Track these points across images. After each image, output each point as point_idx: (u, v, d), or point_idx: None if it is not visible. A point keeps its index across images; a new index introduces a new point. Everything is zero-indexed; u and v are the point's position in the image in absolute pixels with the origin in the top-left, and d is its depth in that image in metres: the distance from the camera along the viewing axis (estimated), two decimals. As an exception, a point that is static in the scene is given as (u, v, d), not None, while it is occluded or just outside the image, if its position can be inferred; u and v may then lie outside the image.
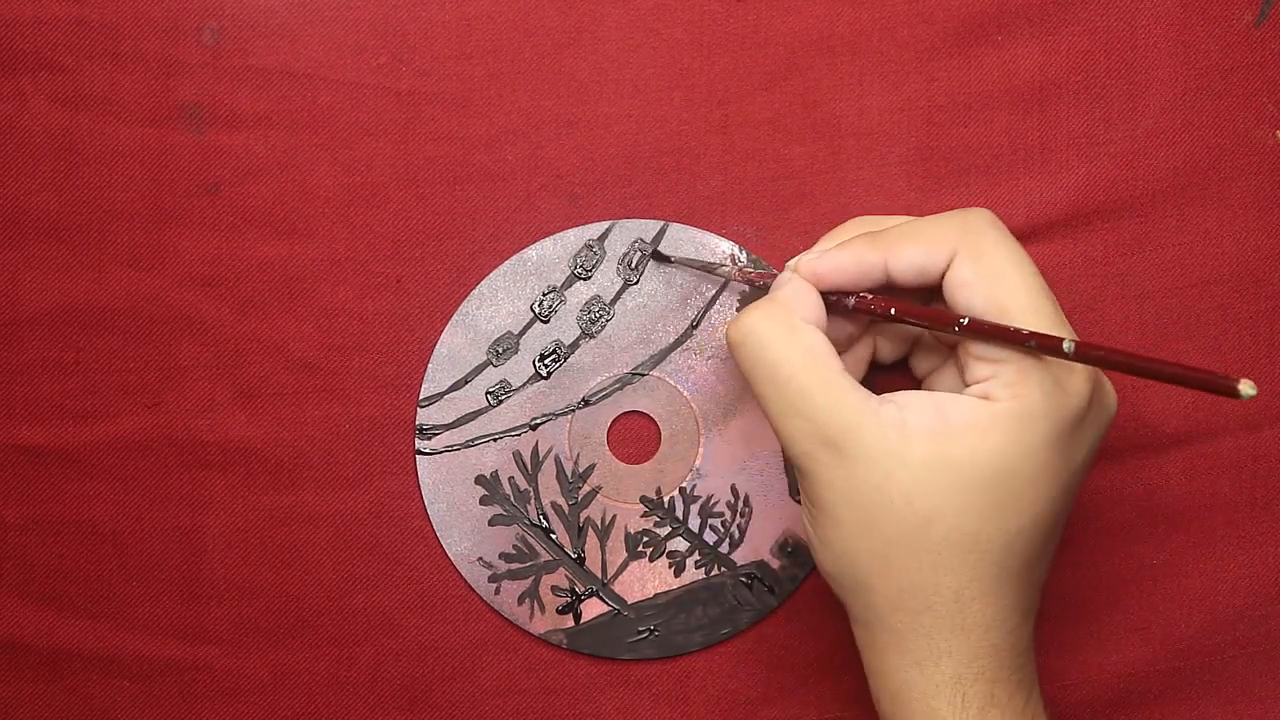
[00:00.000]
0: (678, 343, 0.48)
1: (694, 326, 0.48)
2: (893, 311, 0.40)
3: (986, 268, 0.38)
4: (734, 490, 0.48)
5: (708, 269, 0.47)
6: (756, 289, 0.47)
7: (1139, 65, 0.48)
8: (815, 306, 0.40)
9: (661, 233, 0.48)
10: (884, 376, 0.46)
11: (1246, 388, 0.31)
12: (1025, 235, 0.48)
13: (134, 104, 0.47)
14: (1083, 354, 0.35)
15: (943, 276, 0.39)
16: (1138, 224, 0.48)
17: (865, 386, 0.39)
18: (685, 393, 0.48)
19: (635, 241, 0.48)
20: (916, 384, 0.44)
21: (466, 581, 0.48)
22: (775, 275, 0.42)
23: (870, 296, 0.40)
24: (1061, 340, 0.36)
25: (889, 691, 0.39)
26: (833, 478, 0.38)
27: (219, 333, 0.47)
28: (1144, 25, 0.48)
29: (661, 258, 0.47)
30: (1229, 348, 0.48)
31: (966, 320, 0.38)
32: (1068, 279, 0.48)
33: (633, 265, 0.48)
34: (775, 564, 0.48)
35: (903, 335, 0.44)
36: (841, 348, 0.43)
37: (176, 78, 0.47)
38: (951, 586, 0.38)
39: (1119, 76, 0.48)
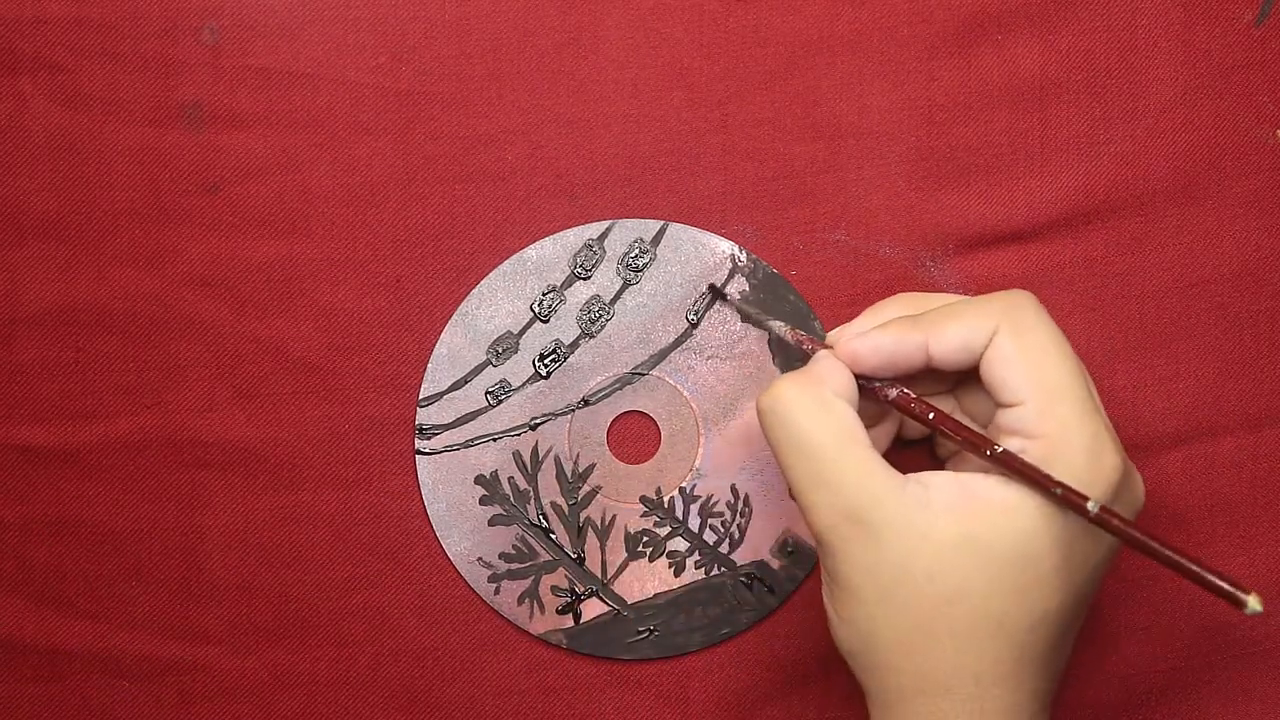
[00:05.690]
0: (678, 342, 0.48)
1: (694, 326, 0.48)
2: (930, 416, 0.40)
3: (1028, 344, 0.38)
4: (734, 490, 0.48)
5: (759, 323, 0.47)
6: (793, 348, 0.47)
7: (1139, 65, 0.48)
8: (849, 384, 0.40)
9: (661, 232, 0.48)
10: (906, 455, 0.45)
11: (1254, 602, 0.33)
12: (1025, 235, 0.48)
13: (134, 104, 0.47)
14: (1102, 519, 0.36)
15: (982, 354, 0.39)
16: (1138, 224, 0.48)
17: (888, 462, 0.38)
18: (685, 393, 0.48)
19: (636, 240, 0.48)
20: (939, 465, 0.44)
21: (466, 581, 0.48)
22: (823, 345, 0.42)
23: (912, 396, 0.40)
24: (1087, 500, 0.36)
25: None
26: (856, 553, 0.38)
27: (219, 333, 0.47)
28: (1144, 25, 0.48)
29: (719, 294, 0.47)
30: (1229, 348, 0.48)
31: (1000, 450, 0.38)
32: (1068, 279, 0.48)
33: (634, 266, 0.48)
34: (775, 564, 0.48)
35: None
36: (870, 422, 0.42)
37: (176, 77, 0.47)
38: (972, 669, 0.37)
39: (1119, 76, 0.48)
